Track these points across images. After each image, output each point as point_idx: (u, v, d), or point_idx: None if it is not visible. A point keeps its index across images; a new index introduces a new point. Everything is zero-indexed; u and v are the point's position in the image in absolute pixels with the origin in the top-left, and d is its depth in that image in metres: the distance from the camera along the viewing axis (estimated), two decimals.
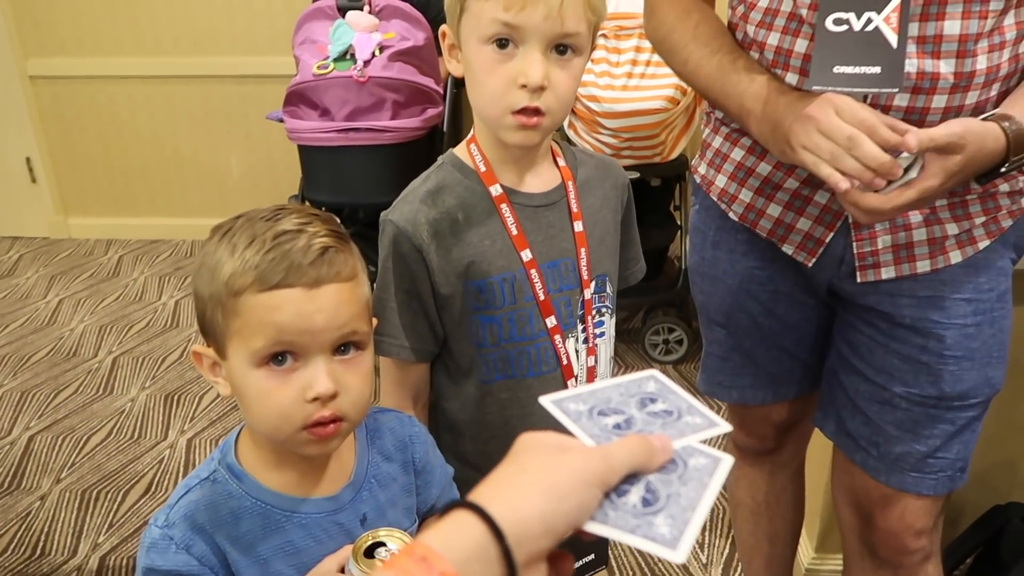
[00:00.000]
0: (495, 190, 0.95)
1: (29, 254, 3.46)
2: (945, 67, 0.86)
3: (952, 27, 0.85)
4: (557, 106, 0.88)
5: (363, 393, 0.73)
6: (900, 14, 0.83)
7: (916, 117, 0.89)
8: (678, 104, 2.18)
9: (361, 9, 2.35)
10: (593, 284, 1.01)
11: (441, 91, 2.46)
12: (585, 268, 0.99)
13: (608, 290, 1.04)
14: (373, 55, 2.29)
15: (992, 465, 1.56)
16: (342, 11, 2.38)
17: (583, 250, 0.99)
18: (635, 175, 2.27)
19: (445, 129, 2.51)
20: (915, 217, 0.97)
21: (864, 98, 0.86)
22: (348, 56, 2.30)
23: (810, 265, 1.05)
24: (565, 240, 0.98)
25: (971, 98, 0.89)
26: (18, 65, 3.34)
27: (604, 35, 2.24)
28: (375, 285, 0.97)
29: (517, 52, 0.85)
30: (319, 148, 2.34)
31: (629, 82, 2.19)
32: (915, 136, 0.80)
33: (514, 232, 0.95)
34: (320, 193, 2.48)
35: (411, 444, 0.86)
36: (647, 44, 2.24)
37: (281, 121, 2.41)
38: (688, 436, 0.52)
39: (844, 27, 0.85)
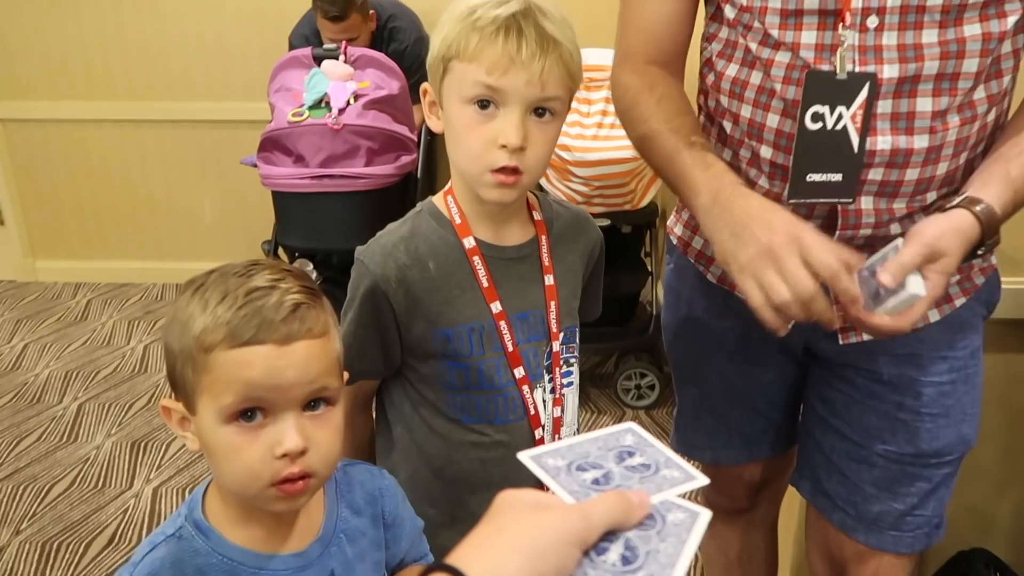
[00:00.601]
0: (468, 243, 0.97)
1: None
2: (919, 142, 0.88)
3: (924, 104, 0.87)
4: (535, 165, 0.90)
5: (333, 449, 0.73)
6: (864, 111, 0.84)
7: (890, 190, 0.91)
8: None
9: (336, 58, 2.39)
10: (562, 335, 1.02)
11: (415, 138, 2.49)
12: (554, 320, 1.00)
13: (577, 340, 1.05)
14: (348, 103, 2.32)
15: (956, 511, 1.57)
16: (317, 60, 2.41)
17: (553, 303, 1.00)
18: (606, 222, 2.30)
19: (419, 176, 2.54)
20: None
21: None
22: (323, 104, 2.33)
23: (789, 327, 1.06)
24: (535, 292, 1.00)
25: (941, 168, 0.90)
26: None
27: None
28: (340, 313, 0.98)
29: (498, 113, 0.88)
30: (293, 194, 2.36)
31: (599, 132, 2.24)
32: (888, 274, 0.81)
33: (485, 284, 0.96)
34: (293, 239, 2.48)
35: (381, 497, 0.85)
36: None
37: (255, 166, 2.42)
38: (666, 490, 0.52)
39: (820, 124, 0.85)
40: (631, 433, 0.58)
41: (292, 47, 2.76)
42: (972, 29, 0.84)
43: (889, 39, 0.85)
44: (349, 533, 0.81)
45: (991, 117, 0.91)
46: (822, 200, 0.87)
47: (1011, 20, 0.85)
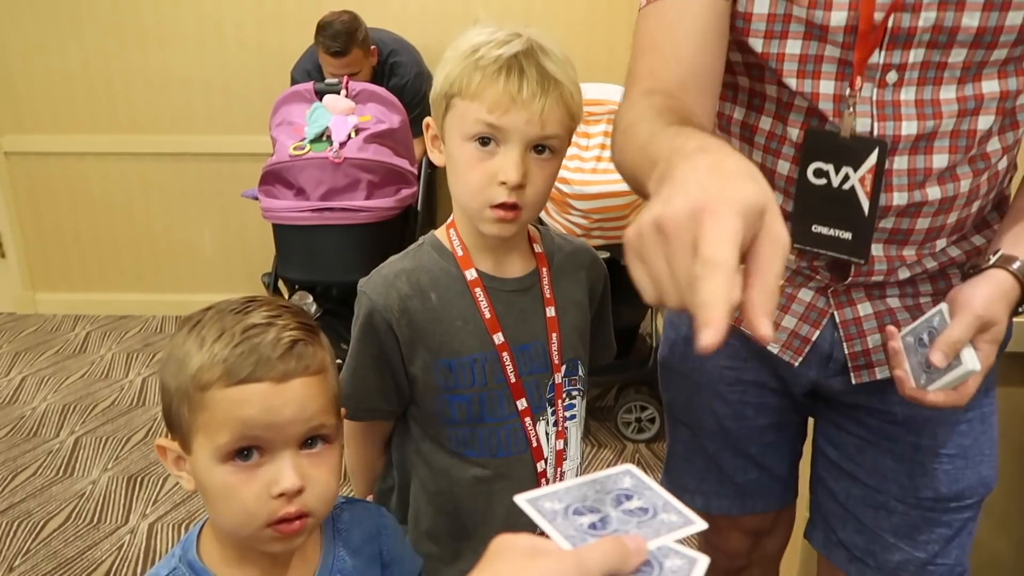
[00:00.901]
0: (470, 274, 0.97)
1: None
2: (932, 195, 0.87)
3: (940, 160, 0.86)
4: (534, 201, 0.91)
5: (330, 487, 0.73)
6: (874, 176, 0.83)
7: (901, 238, 0.90)
8: None
9: (338, 93, 2.41)
10: (564, 368, 1.02)
11: (416, 171, 2.51)
12: (556, 352, 1.00)
13: (580, 372, 1.05)
14: (349, 137, 2.34)
15: None
16: (319, 95, 2.44)
17: (554, 335, 1.00)
18: (606, 254, 2.31)
19: (419, 208, 2.55)
20: (903, 315, 0.96)
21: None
22: (324, 138, 2.34)
23: (796, 364, 1.01)
24: (536, 324, 1.00)
25: (952, 217, 0.89)
26: None
27: None
28: (348, 350, 0.99)
29: (499, 150, 0.89)
30: (294, 227, 2.36)
31: (598, 165, 2.26)
32: (940, 353, 0.80)
33: (487, 315, 0.97)
34: (294, 271, 2.48)
35: (379, 536, 0.84)
36: None
37: (256, 199, 2.43)
38: (663, 535, 0.52)
39: (823, 180, 0.84)
40: (629, 475, 0.57)
41: (294, 82, 2.79)
42: (990, 86, 0.84)
43: (907, 94, 0.84)
44: (346, 574, 0.80)
45: (1003, 165, 0.91)
46: (832, 254, 0.85)
47: None
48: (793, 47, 0.87)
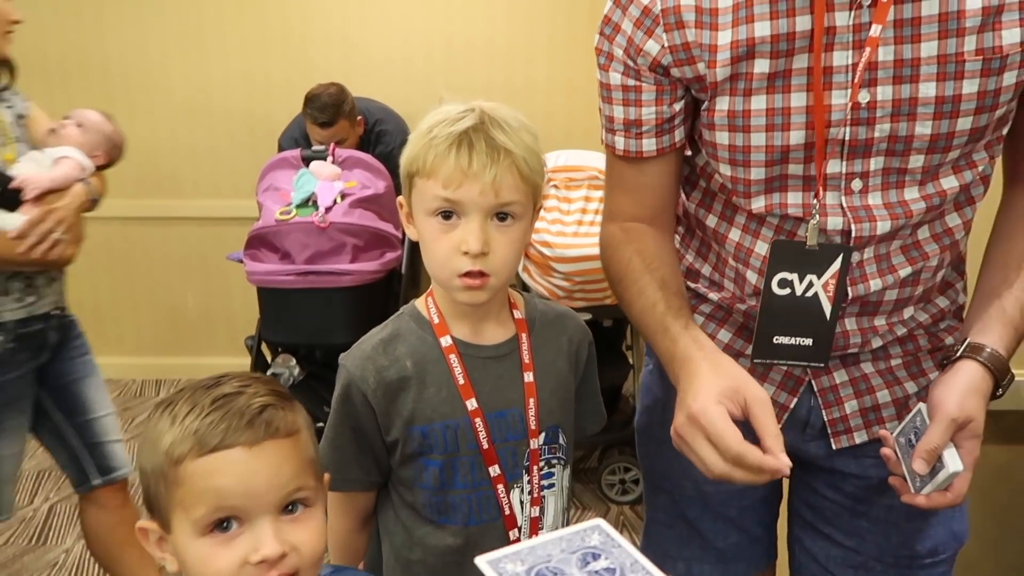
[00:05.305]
0: (445, 341, 0.99)
1: None
2: (903, 272, 0.92)
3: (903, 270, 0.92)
4: (501, 267, 0.94)
5: (315, 550, 0.72)
6: (837, 281, 0.87)
7: (871, 310, 0.94)
8: None
9: (324, 159, 2.46)
10: (542, 435, 1.02)
11: (400, 236, 2.54)
12: (533, 418, 1.01)
13: (561, 441, 1.05)
14: (335, 202, 2.38)
15: None
16: (306, 161, 2.48)
17: (531, 400, 1.01)
18: (588, 316, 2.33)
19: (403, 272, 2.57)
20: (876, 380, 1.00)
21: None
22: (310, 203, 2.38)
23: None
24: (514, 391, 1.01)
25: (920, 289, 0.95)
26: None
27: (555, 185, 2.37)
28: (327, 422, 1.00)
29: (460, 222, 0.93)
30: (278, 290, 2.37)
31: (579, 229, 2.30)
32: (921, 460, 0.82)
33: (461, 382, 0.98)
34: (277, 334, 2.49)
35: None
36: (596, 194, 2.37)
37: (241, 262, 2.45)
38: None
39: (787, 291, 0.88)
40: (598, 532, 0.57)
41: (281, 149, 2.84)
42: (949, 182, 0.89)
43: (875, 199, 0.89)
44: None
45: (960, 236, 0.96)
46: (791, 362, 0.89)
47: (980, 168, 0.90)
48: (758, 173, 0.91)
